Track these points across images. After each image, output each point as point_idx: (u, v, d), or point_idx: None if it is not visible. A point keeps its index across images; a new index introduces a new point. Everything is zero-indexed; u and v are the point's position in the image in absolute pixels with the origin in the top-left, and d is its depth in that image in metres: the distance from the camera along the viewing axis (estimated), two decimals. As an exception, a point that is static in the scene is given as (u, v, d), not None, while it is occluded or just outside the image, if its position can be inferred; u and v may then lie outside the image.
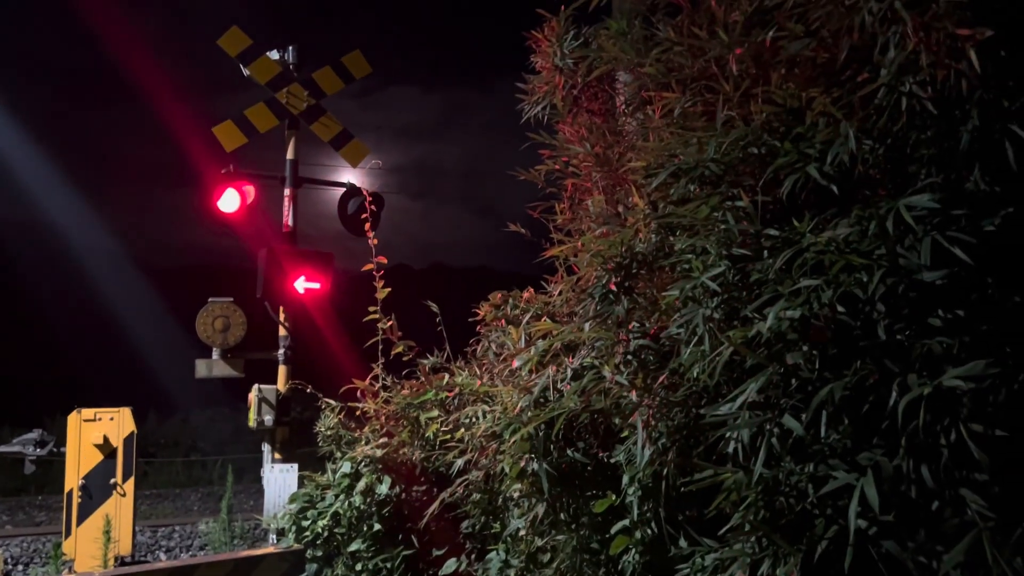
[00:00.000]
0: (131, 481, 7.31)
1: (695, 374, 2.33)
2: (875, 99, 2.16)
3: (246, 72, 8.33)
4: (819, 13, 2.22)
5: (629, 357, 2.67)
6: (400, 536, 4.84)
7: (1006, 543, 1.75)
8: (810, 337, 2.05)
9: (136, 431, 7.38)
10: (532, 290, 4.20)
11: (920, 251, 2.02)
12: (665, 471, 2.48)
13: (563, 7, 3.66)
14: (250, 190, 8.02)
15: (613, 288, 2.77)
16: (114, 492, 7.23)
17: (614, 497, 2.85)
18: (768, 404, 2.11)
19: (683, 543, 2.53)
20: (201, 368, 8.08)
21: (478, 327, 4.53)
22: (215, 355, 8.07)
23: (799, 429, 1.99)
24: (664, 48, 2.96)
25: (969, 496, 1.83)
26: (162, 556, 8.99)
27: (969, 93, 1.95)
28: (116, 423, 7.27)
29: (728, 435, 2.16)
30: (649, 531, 2.68)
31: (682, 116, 2.86)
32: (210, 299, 8.06)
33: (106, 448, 7.22)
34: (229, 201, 7.87)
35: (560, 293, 3.67)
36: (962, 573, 1.82)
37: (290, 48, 8.53)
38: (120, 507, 7.22)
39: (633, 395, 2.57)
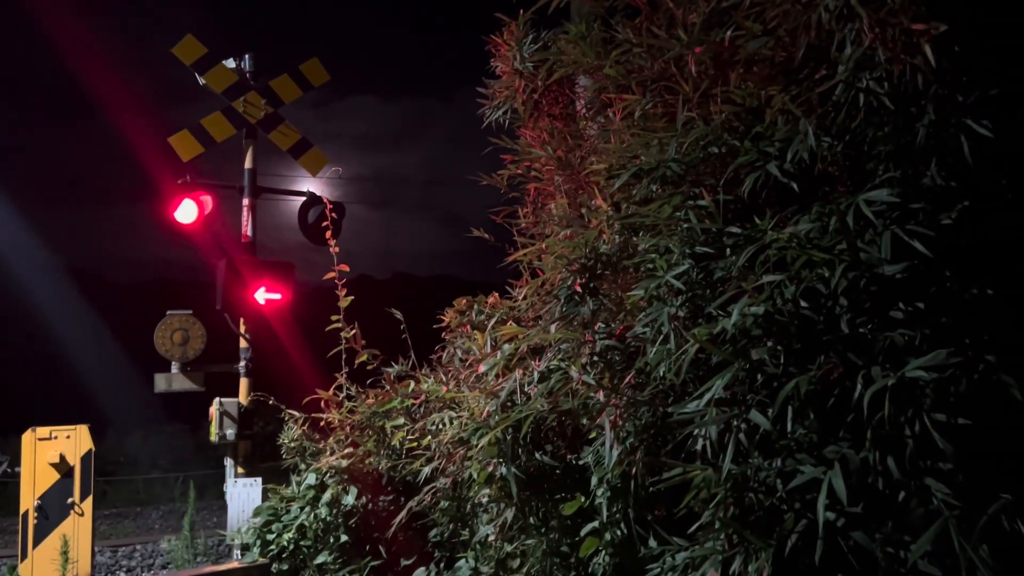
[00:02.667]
0: (89, 500, 7.11)
1: (661, 373, 2.33)
2: (833, 96, 2.19)
3: (202, 81, 8.22)
4: (776, 12, 2.24)
5: (595, 358, 2.67)
6: (367, 547, 4.78)
7: (971, 531, 1.77)
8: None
9: (94, 449, 7.19)
10: (497, 295, 4.19)
11: (880, 245, 2.04)
12: (634, 471, 2.47)
13: (522, 11, 3.66)
14: (207, 200, 7.89)
15: (578, 289, 2.76)
16: (72, 512, 7.03)
17: (583, 499, 2.83)
18: (735, 400, 2.11)
19: (653, 543, 2.53)
20: (160, 382, 7.92)
21: (443, 334, 4.49)
22: (174, 369, 7.92)
23: (766, 424, 2.00)
24: (623, 50, 2.96)
25: (934, 485, 1.85)
26: (122, 576, 8.78)
27: (925, 88, 1.98)
28: (73, 441, 7.08)
29: (696, 432, 2.16)
30: (619, 532, 2.67)
31: (643, 118, 2.87)
32: (168, 312, 7.91)
33: (63, 467, 7.02)
34: (186, 212, 7.73)
35: (525, 297, 3.66)
36: (929, 562, 1.83)
37: (246, 56, 8.44)
38: (78, 527, 7.02)
39: (600, 395, 2.56)
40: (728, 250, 2.30)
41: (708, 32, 2.61)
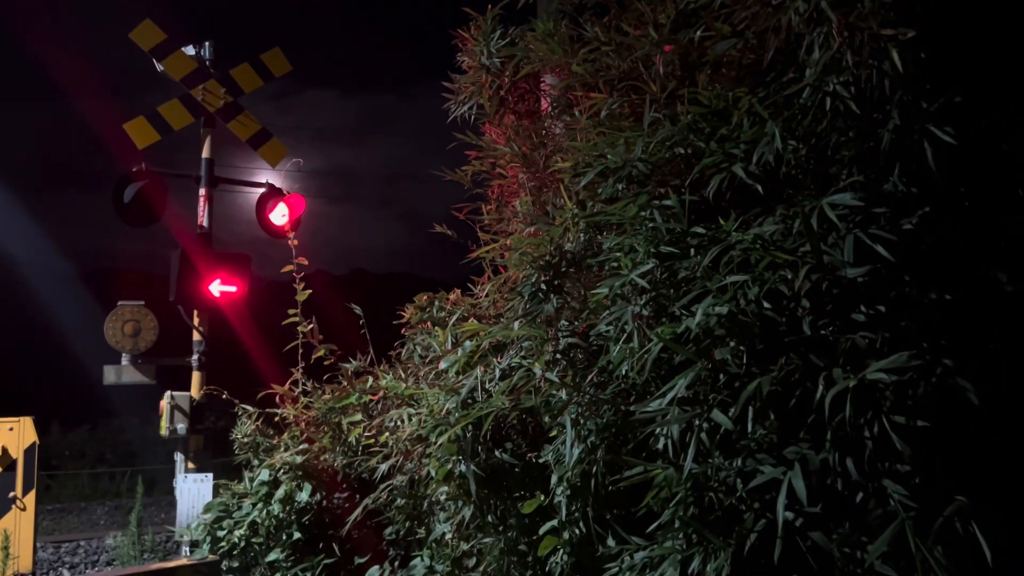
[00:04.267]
0: (32, 494, 6.92)
1: (624, 371, 2.32)
2: (800, 99, 2.20)
3: (160, 67, 8.03)
4: (745, 13, 2.25)
5: (558, 355, 2.65)
6: (321, 544, 4.71)
7: (927, 532, 1.79)
8: None
9: (38, 442, 6.99)
10: (458, 292, 4.15)
11: (843, 248, 2.06)
12: (594, 469, 2.47)
13: (490, 6, 3.64)
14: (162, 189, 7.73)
15: (542, 287, 2.74)
16: (13, 506, 6.83)
17: (542, 497, 2.82)
18: (697, 400, 2.12)
19: (612, 542, 2.52)
20: (109, 374, 7.73)
21: (403, 330, 4.45)
22: (124, 361, 7.73)
23: (728, 424, 2.00)
24: (591, 48, 2.96)
25: (892, 487, 1.87)
26: (65, 573, 8.55)
27: (891, 94, 2.00)
28: (16, 433, 6.88)
29: (657, 431, 2.16)
30: (577, 531, 2.65)
31: (609, 117, 2.87)
32: (120, 302, 7.72)
33: (5, 460, 6.82)
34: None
35: (487, 294, 3.64)
36: (885, 562, 1.85)
37: (206, 44, 8.27)
38: (20, 522, 6.83)
39: (562, 393, 2.55)
40: (692, 250, 2.31)
41: (677, 32, 2.61)
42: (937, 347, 1.98)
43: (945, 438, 1.94)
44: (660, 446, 2.14)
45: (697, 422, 2.06)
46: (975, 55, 2.11)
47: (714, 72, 2.52)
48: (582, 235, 2.80)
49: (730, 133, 2.39)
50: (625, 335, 2.31)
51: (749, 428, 2.04)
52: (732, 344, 2.10)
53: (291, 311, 5.35)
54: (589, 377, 2.53)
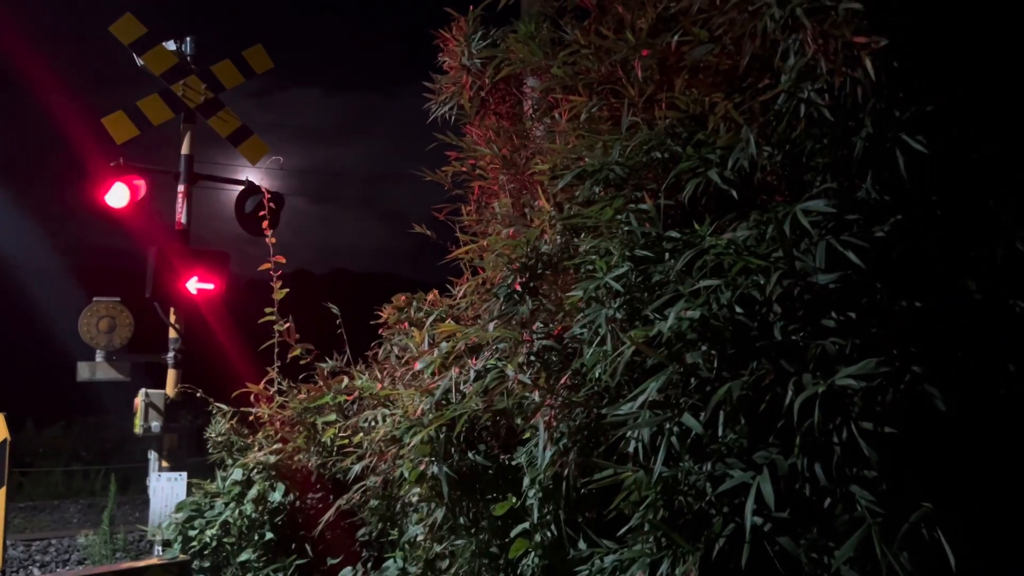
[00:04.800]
0: (2, 492, 6.80)
1: (597, 374, 2.33)
2: (775, 105, 2.22)
3: (140, 62, 7.95)
4: (722, 19, 2.26)
5: (532, 357, 2.65)
6: (293, 545, 4.68)
7: (893, 538, 1.80)
8: None
9: (9, 438, 6.89)
10: (436, 293, 4.14)
11: (815, 255, 2.07)
12: (566, 472, 2.46)
13: (472, 7, 3.64)
14: (141, 185, 7.65)
15: (518, 288, 2.74)
16: (-18, 503, 6.73)
17: (515, 500, 2.81)
18: (668, 403, 2.12)
19: (583, 545, 2.52)
20: (83, 371, 7.63)
21: (380, 330, 4.43)
22: (99, 357, 7.64)
23: (698, 427, 2.01)
24: (571, 50, 2.96)
25: (859, 492, 1.88)
26: (35, 571, 8.45)
27: (864, 102, 2.01)
28: (-14, 429, 6.78)
29: (629, 434, 2.16)
30: (549, 533, 2.65)
31: (588, 120, 2.88)
32: (95, 298, 7.64)
33: (-26, 456, 6.71)
34: (117, 196, 7.49)
35: (465, 295, 3.63)
36: (851, 567, 1.86)
37: (188, 39, 8.20)
38: (-11, 519, 6.72)
39: (536, 395, 2.54)
40: (667, 254, 2.31)
41: (655, 37, 2.62)
42: (906, 354, 1.99)
43: (912, 445, 1.95)
44: (631, 449, 2.14)
45: (668, 426, 2.06)
46: (946, 65, 2.13)
47: (691, 77, 2.53)
48: (559, 237, 2.80)
49: (706, 138, 2.40)
50: (599, 338, 2.31)
51: (719, 432, 2.05)
52: (704, 348, 2.10)
53: (268, 310, 5.31)
54: (562, 379, 2.52)
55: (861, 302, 2.07)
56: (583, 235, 2.69)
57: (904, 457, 1.93)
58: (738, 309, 2.07)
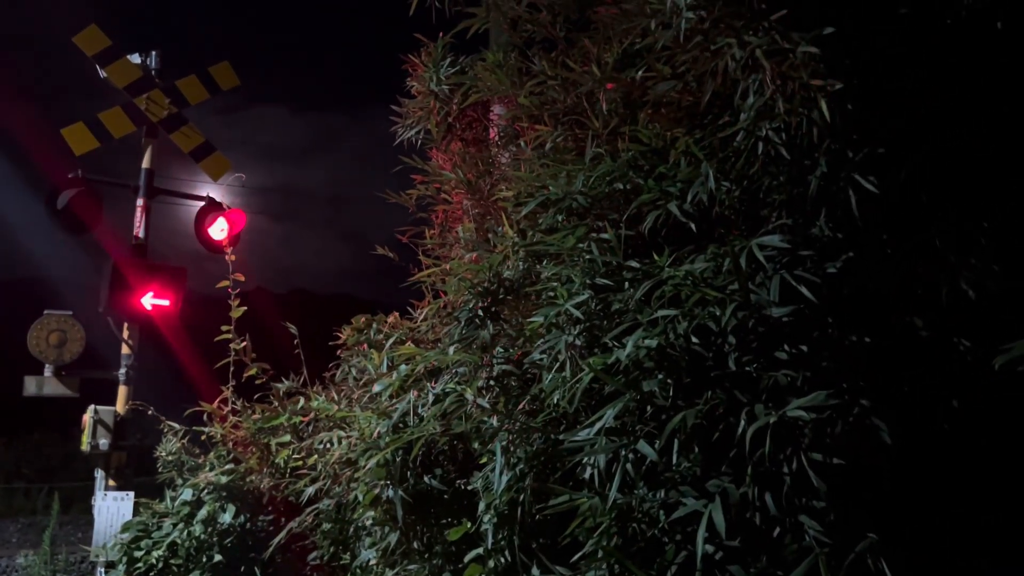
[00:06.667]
0: (-62, 508, 6.60)
1: (556, 400, 2.34)
2: (734, 142, 2.28)
3: (103, 73, 7.86)
4: (686, 57, 2.32)
5: (492, 382, 2.66)
6: (242, 568, 4.59)
7: (840, 567, 1.84)
8: None
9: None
10: (397, 315, 4.13)
11: (769, 288, 2.12)
12: (522, 497, 2.47)
13: (441, 33, 3.68)
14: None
15: (479, 313, 2.76)
16: (-83, 521, 6.50)
17: (469, 525, 2.80)
18: (624, 430, 2.15)
19: (536, 571, 2.52)
20: (30, 385, 7.43)
21: (339, 351, 4.40)
22: (47, 372, 7.46)
23: (653, 455, 2.04)
24: (538, 81, 3.02)
25: (808, 522, 1.92)
26: (-30, 593, 8.15)
27: (819, 142, 2.08)
28: (-75, 444, 6.57)
29: (585, 461, 2.18)
30: (503, 559, 2.64)
31: (553, 149, 2.92)
32: (46, 311, 7.47)
33: (-89, 471, 6.50)
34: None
35: (426, 318, 3.63)
36: (799, 597, 1.89)
37: (153, 53, 8.14)
38: (-77, 537, 6.50)
39: (494, 420, 2.55)
40: (627, 283, 2.35)
41: (621, 71, 2.68)
42: (855, 387, 2.05)
43: (859, 476, 2.00)
44: (587, 476, 2.16)
45: (624, 452, 2.09)
46: (896, 109, 2.22)
47: (654, 112, 2.59)
48: (521, 263, 2.83)
49: (667, 171, 2.45)
50: (558, 364, 2.34)
51: (674, 460, 2.08)
52: (660, 376, 2.14)
53: (224, 328, 5.25)
54: (521, 404, 2.54)
55: (813, 336, 2.12)
56: (545, 262, 2.72)
57: (851, 488, 1.98)
58: (694, 339, 2.12)
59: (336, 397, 4.19)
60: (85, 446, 7.25)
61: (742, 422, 1.97)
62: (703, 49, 2.23)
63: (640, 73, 2.53)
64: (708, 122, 2.41)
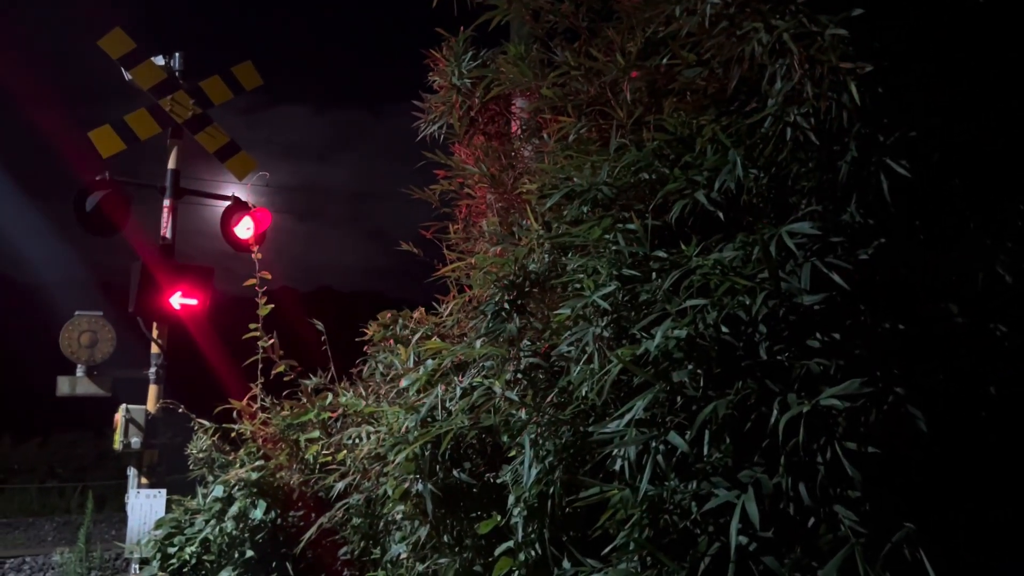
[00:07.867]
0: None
1: (584, 392, 2.33)
2: (761, 128, 2.25)
3: (128, 76, 7.96)
4: (711, 43, 2.29)
5: (519, 375, 2.65)
6: (274, 563, 4.62)
7: (876, 557, 1.81)
8: None
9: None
10: (423, 310, 4.14)
11: (800, 276, 2.09)
12: (551, 490, 2.46)
13: (462, 27, 3.67)
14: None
15: (505, 306, 2.75)
16: (-44, 519, 6.63)
17: (499, 518, 2.80)
18: (654, 422, 2.13)
19: (567, 564, 2.51)
20: (63, 385, 7.56)
21: (365, 347, 4.42)
22: (79, 372, 7.57)
23: (684, 446, 2.01)
24: (561, 72, 3.00)
25: (843, 512, 1.89)
26: (8, 590, 8.30)
27: (849, 126, 2.04)
28: (-38, 444, 6.69)
29: (615, 453, 2.16)
30: (533, 552, 2.64)
31: (577, 141, 2.90)
32: (77, 312, 7.58)
33: (-51, 471, 6.63)
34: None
35: (451, 313, 3.63)
36: (835, 588, 1.87)
37: (176, 55, 8.22)
38: (-38, 536, 6.62)
39: (522, 413, 2.54)
40: (654, 274, 2.33)
41: (645, 59, 2.65)
42: (889, 375, 2.01)
43: (895, 465, 1.97)
44: (617, 468, 2.14)
45: (654, 444, 2.07)
46: (928, 92, 2.17)
47: (679, 100, 2.56)
48: (546, 256, 2.82)
49: (693, 160, 2.43)
50: (586, 356, 2.32)
51: (705, 451, 2.05)
52: (690, 367, 2.12)
53: (252, 325, 5.28)
54: (549, 397, 2.53)
55: (845, 323, 2.09)
56: (571, 254, 2.71)
57: (887, 477, 1.95)
58: (724, 329, 2.09)
59: (364, 393, 4.21)
60: (117, 445, 7.36)
61: (774, 412, 1.95)
62: (729, 34, 2.20)
63: (665, 61, 2.50)
64: (735, 109, 2.38)
